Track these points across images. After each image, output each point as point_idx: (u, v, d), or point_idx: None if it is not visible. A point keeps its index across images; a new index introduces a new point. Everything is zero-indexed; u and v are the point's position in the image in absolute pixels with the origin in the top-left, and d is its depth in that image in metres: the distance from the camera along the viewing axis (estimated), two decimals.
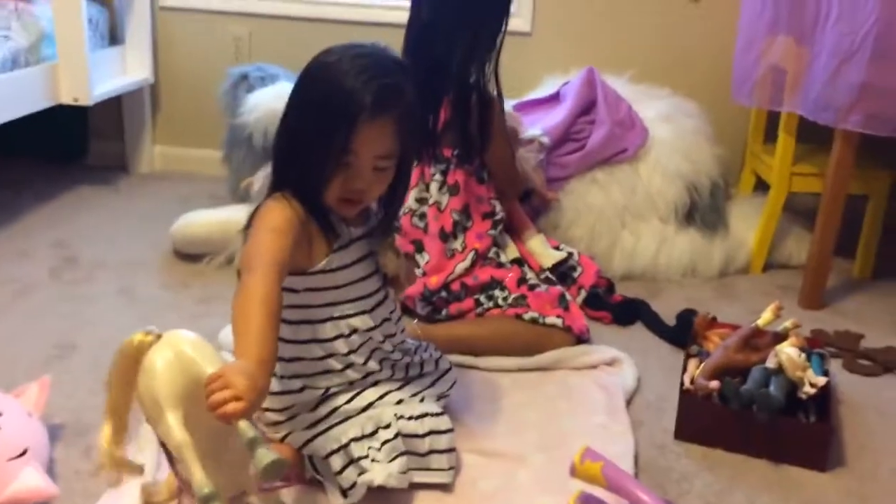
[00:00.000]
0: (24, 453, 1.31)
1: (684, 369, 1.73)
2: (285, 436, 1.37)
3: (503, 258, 2.01)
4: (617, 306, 2.11)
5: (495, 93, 1.96)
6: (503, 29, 1.93)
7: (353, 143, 1.25)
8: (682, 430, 1.61)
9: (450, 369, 1.57)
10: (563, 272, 2.11)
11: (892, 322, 2.13)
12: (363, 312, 1.38)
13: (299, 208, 1.27)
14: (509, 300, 1.91)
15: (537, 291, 1.92)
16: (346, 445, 1.34)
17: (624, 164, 2.41)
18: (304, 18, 2.95)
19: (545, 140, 2.33)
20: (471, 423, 1.59)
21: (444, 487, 1.40)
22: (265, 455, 0.97)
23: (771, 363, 1.61)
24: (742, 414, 1.54)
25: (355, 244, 1.38)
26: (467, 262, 1.94)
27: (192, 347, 1.13)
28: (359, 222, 1.40)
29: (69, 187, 2.87)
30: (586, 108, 2.45)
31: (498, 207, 2.02)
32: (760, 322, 1.72)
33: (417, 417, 1.40)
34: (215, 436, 1.12)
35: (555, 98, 2.58)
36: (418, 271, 1.95)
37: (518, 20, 2.83)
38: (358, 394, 1.40)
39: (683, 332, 1.94)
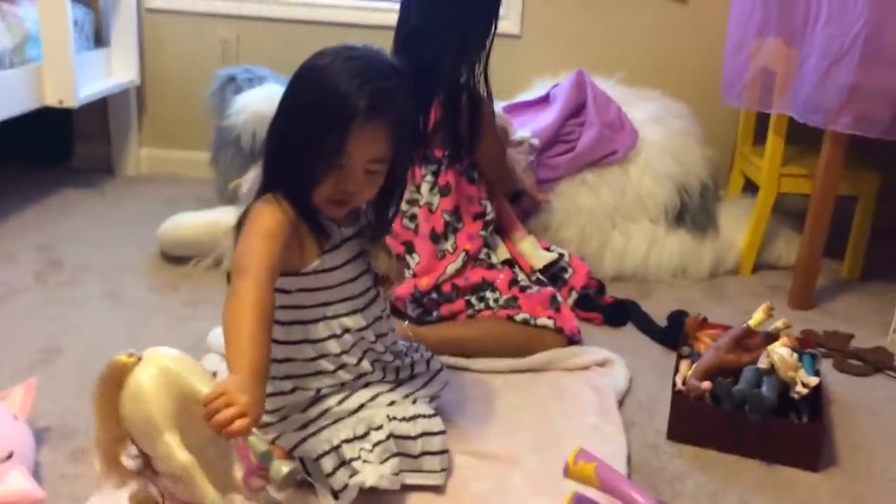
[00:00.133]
0: (9, 457, 1.29)
1: (676, 370, 1.72)
2: (276, 437, 1.36)
3: (494, 259, 2.00)
4: (608, 307, 2.11)
5: (485, 93, 1.96)
6: (492, 31, 1.92)
7: (346, 146, 1.24)
8: (675, 430, 1.60)
9: (441, 370, 1.56)
10: (553, 273, 2.11)
11: (882, 322, 2.14)
12: (355, 312, 1.37)
13: (290, 210, 1.26)
14: (500, 301, 1.90)
15: (528, 293, 1.92)
16: (337, 447, 1.32)
17: (614, 165, 2.41)
18: (292, 20, 2.94)
19: (535, 142, 2.33)
20: (463, 424, 1.58)
21: (437, 489, 1.39)
22: (281, 467, 1.01)
23: (763, 363, 1.60)
24: (734, 414, 1.54)
25: (346, 244, 1.37)
26: (458, 264, 1.93)
27: (175, 363, 1.11)
28: (349, 222, 1.39)
29: (54, 190, 2.85)
30: (576, 110, 2.45)
31: (489, 208, 2.01)
32: (752, 322, 1.72)
33: (410, 419, 1.39)
34: (201, 446, 1.10)
35: (544, 100, 2.58)
36: (408, 272, 1.94)
37: (507, 23, 2.83)
38: (350, 395, 1.39)
39: (674, 333, 1.94)
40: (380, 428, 1.36)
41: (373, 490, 1.31)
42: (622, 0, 2.83)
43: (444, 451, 1.40)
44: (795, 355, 1.59)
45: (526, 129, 2.37)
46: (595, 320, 2.08)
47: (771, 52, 2.26)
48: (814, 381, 1.56)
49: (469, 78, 1.93)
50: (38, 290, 2.10)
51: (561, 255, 2.14)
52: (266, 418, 1.36)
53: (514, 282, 1.95)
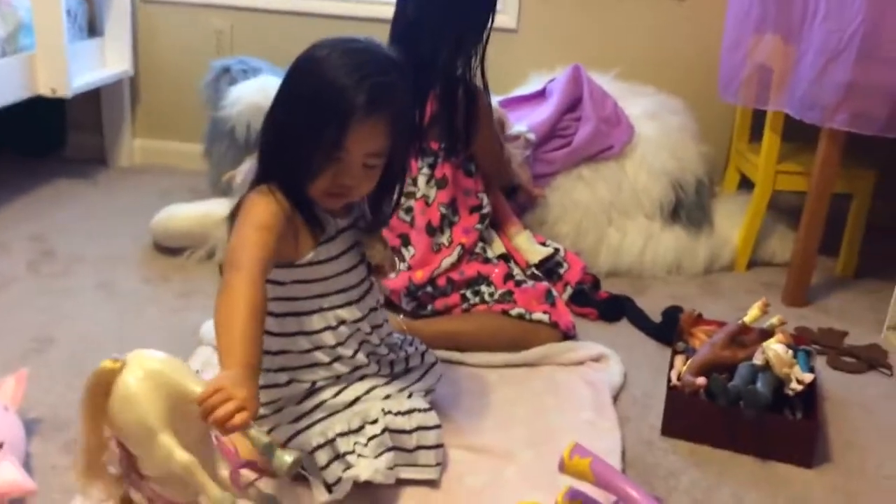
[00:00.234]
0: (0, 447, 1.27)
1: (671, 366, 1.72)
2: (270, 430, 1.35)
3: (490, 253, 1.99)
4: (603, 303, 2.11)
5: (482, 86, 1.95)
6: (489, 25, 1.92)
7: (344, 140, 1.23)
8: (669, 426, 1.60)
9: (436, 363, 1.56)
10: (549, 268, 2.10)
11: (875, 320, 2.14)
12: (350, 303, 1.37)
13: (285, 202, 1.25)
14: (496, 296, 1.90)
15: (524, 287, 1.91)
16: (331, 440, 1.32)
17: (610, 160, 2.40)
18: (287, 12, 2.91)
19: (531, 136, 2.32)
20: (458, 418, 1.57)
21: (431, 484, 1.39)
22: (285, 456, 1.01)
23: (758, 360, 1.60)
24: (729, 410, 1.54)
25: (341, 235, 1.37)
26: (454, 257, 1.93)
27: (162, 364, 1.09)
28: (344, 213, 1.38)
29: (46, 180, 2.82)
30: (572, 104, 2.45)
31: (485, 201, 2.01)
32: (747, 319, 1.72)
33: (405, 413, 1.38)
34: (189, 446, 1.09)
35: (541, 95, 2.58)
36: (403, 265, 1.93)
37: (504, 17, 2.81)
38: (345, 388, 1.38)
39: (669, 329, 1.94)
40: (375, 422, 1.35)
41: (367, 484, 1.31)
42: None
43: (439, 446, 1.40)
44: (791, 352, 1.59)
45: (522, 123, 2.36)
46: (590, 315, 2.08)
47: (768, 49, 2.26)
48: (808, 377, 1.56)
49: (465, 71, 1.92)
50: (31, 280, 2.09)
51: (556, 250, 2.13)
52: (261, 410, 1.34)
53: (509, 276, 1.94)
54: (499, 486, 1.40)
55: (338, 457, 1.31)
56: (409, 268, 1.93)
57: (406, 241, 1.95)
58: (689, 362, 1.67)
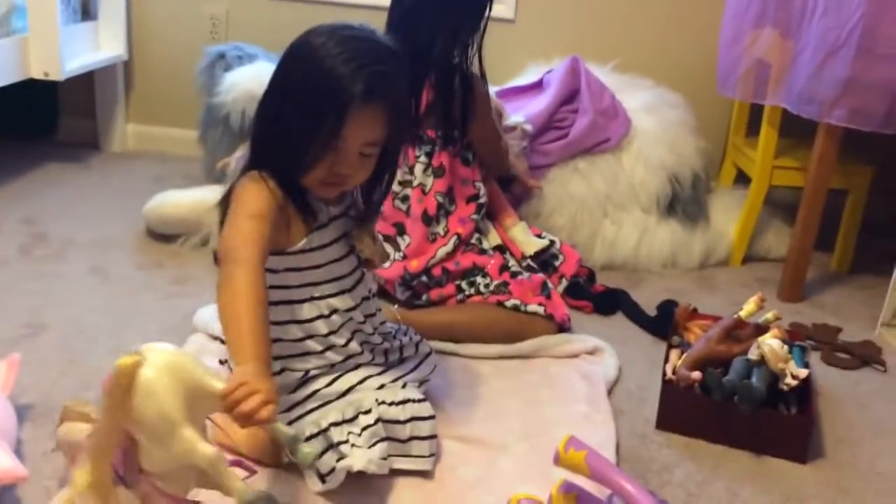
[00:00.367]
0: None
1: (666, 360, 1.72)
2: None
3: (485, 245, 1.99)
4: (598, 296, 2.10)
5: (479, 73, 1.94)
6: (486, 14, 1.90)
7: (342, 129, 1.22)
8: (664, 420, 1.60)
9: (430, 353, 1.55)
10: (544, 260, 2.10)
11: (870, 316, 2.14)
12: (343, 292, 1.36)
13: (277, 190, 1.24)
14: (491, 287, 1.89)
15: (519, 279, 1.91)
16: (325, 430, 1.31)
17: (607, 153, 2.40)
18: None
19: (528, 127, 2.31)
20: (452, 409, 1.57)
21: (425, 474, 1.38)
22: (306, 449, 1.04)
23: (753, 355, 1.60)
24: (724, 405, 1.54)
25: (333, 223, 1.36)
26: (449, 247, 1.92)
27: (178, 357, 1.08)
28: (336, 201, 1.37)
29: (38, 163, 2.80)
30: (570, 96, 2.44)
31: (482, 190, 2.00)
32: (743, 313, 1.72)
33: (399, 403, 1.37)
34: None
35: (538, 86, 2.56)
36: (398, 254, 1.92)
37: (501, 6, 2.80)
38: (338, 377, 1.37)
39: (664, 323, 1.94)
40: (368, 412, 1.34)
41: (360, 474, 1.30)
42: None
43: (432, 436, 1.39)
44: (786, 347, 1.59)
45: (519, 114, 2.35)
46: (585, 308, 2.07)
47: (767, 44, 2.26)
48: (803, 373, 1.56)
49: (462, 60, 1.91)
50: (23, 264, 2.07)
51: (552, 242, 2.13)
52: None
53: (504, 267, 1.93)
54: (492, 478, 1.39)
55: (331, 446, 1.30)
56: (405, 257, 1.92)
57: (401, 229, 1.94)
58: (684, 356, 1.67)
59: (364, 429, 1.32)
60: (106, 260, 2.13)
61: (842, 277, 2.43)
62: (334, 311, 1.35)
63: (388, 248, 1.91)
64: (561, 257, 2.12)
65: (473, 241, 1.97)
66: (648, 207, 2.39)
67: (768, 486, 1.46)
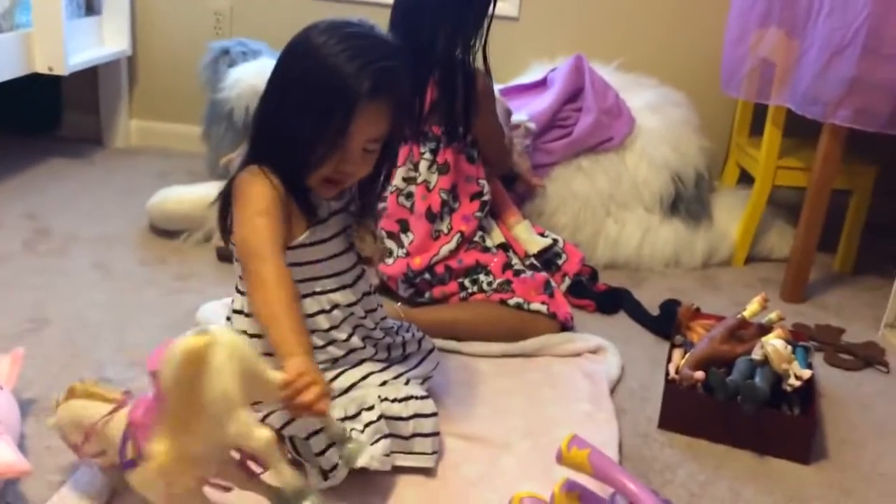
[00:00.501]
0: None
1: (669, 359, 1.72)
2: (266, 415, 1.34)
3: (489, 243, 1.98)
4: (601, 295, 2.10)
5: (484, 70, 1.94)
6: (490, 12, 1.90)
7: (349, 127, 1.22)
8: (666, 419, 1.60)
9: (433, 350, 1.55)
10: (547, 259, 2.09)
11: (873, 317, 2.14)
12: (344, 287, 1.36)
13: (279, 185, 1.24)
14: (494, 285, 1.89)
15: (522, 277, 1.91)
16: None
17: (610, 152, 2.40)
18: None
19: (531, 126, 2.31)
20: (454, 407, 1.57)
21: (427, 472, 1.38)
22: (357, 447, 1.13)
23: (756, 355, 1.60)
24: (727, 405, 1.53)
25: (334, 218, 1.36)
26: (452, 245, 1.92)
27: (241, 342, 1.08)
28: (336, 196, 1.37)
29: (41, 159, 2.80)
30: (573, 94, 2.44)
31: (486, 188, 2.00)
32: (746, 313, 1.72)
33: (402, 400, 1.37)
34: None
35: (542, 84, 2.56)
36: (401, 251, 1.92)
37: (505, 4, 2.80)
38: (341, 374, 1.37)
39: (667, 322, 1.93)
40: (371, 408, 1.34)
41: (363, 471, 1.30)
42: None
43: (435, 434, 1.39)
44: (789, 347, 1.59)
45: (522, 112, 2.35)
46: (587, 307, 2.07)
47: (771, 43, 2.25)
48: (807, 373, 1.56)
49: (465, 56, 1.91)
50: (26, 259, 2.07)
51: (555, 241, 2.12)
52: None
53: (507, 266, 1.93)
54: (495, 476, 1.39)
55: (334, 443, 1.30)
56: (408, 254, 1.92)
57: (405, 226, 1.94)
58: (687, 356, 1.66)
59: (367, 425, 1.32)
60: (109, 255, 2.13)
61: (845, 278, 2.43)
62: (335, 306, 1.35)
63: (392, 244, 1.92)
64: (564, 256, 2.12)
65: (477, 238, 1.97)
66: (651, 206, 2.39)
67: (771, 487, 1.46)
